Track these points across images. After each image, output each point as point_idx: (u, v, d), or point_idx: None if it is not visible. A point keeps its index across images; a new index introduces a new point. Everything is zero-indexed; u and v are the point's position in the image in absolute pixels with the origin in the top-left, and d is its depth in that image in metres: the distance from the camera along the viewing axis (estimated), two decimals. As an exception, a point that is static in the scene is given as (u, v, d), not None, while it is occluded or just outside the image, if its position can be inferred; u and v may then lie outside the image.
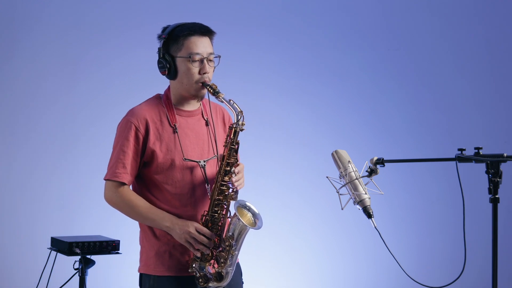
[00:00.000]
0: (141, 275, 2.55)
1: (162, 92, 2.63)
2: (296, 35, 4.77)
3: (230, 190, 2.46)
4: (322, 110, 4.80)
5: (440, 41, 4.96)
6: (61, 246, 3.23)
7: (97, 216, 4.24)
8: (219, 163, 2.47)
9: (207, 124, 2.57)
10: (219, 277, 2.43)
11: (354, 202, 2.29)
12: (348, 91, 4.86)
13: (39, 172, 4.22)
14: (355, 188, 2.28)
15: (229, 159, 2.45)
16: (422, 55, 4.95)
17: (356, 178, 2.28)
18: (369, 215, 2.25)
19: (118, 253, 3.31)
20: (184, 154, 2.47)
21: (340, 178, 2.32)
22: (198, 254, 2.42)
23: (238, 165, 2.47)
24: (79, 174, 4.28)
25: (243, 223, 2.41)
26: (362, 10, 4.89)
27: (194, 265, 2.44)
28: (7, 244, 4.16)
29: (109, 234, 3.53)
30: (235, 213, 2.43)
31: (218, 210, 2.44)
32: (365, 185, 2.30)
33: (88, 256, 3.20)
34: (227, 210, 2.46)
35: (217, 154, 2.54)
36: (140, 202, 2.46)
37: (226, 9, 4.58)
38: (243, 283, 2.66)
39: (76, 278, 3.18)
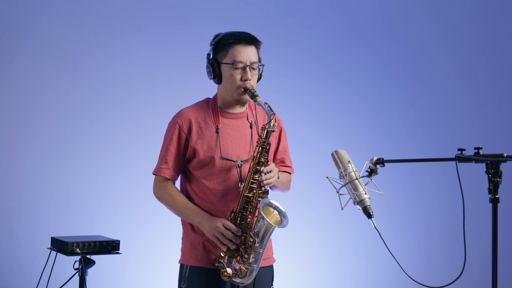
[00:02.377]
0: (179, 266, 2.68)
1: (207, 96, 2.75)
2: (295, 35, 4.77)
3: (260, 189, 2.55)
4: (322, 110, 4.80)
5: (440, 41, 4.97)
6: (61, 246, 3.23)
7: (97, 216, 4.24)
8: (250, 162, 2.58)
9: (251, 126, 2.69)
10: (241, 273, 2.50)
11: (354, 202, 2.29)
12: (348, 91, 4.86)
13: (39, 172, 4.22)
14: (355, 188, 2.28)
15: (259, 159, 2.55)
16: (422, 55, 4.96)
17: (356, 178, 2.28)
18: (369, 215, 2.25)
19: (118, 253, 3.31)
20: (223, 153, 2.61)
21: (340, 178, 2.32)
22: (224, 249, 2.52)
23: (269, 164, 2.56)
24: (79, 174, 4.28)
25: (267, 221, 2.47)
26: (361, 10, 4.89)
27: (221, 260, 2.53)
28: (7, 244, 4.16)
29: (109, 234, 3.53)
30: (260, 212, 2.50)
31: (247, 208, 2.54)
32: (365, 185, 2.30)
33: (88, 256, 3.20)
34: (255, 208, 2.55)
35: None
36: (178, 197, 2.63)
37: (225, 10, 4.58)
38: None
39: (76, 278, 3.19)
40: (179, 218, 2.69)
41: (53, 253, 3.26)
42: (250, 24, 4.67)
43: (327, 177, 2.31)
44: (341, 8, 4.86)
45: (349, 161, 2.33)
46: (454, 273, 2.22)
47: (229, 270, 2.50)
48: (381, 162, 2.29)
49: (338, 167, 2.34)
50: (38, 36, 4.25)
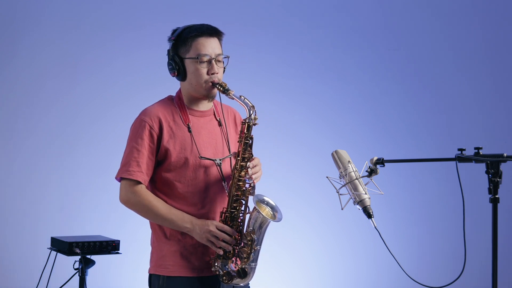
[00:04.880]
0: (150, 276, 2.54)
1: (163, 93, 2.66)
2: (296, 35, 4.77)
3: (247, 185, 2.47)
4: (322, 110, 4.80)
5: (440, 41, 4.96)
6: (61, 246, 3.23)
7: (97, 216, 4.24)
8: (235, 159, 2.48)
9: (219, 124, 2.58)
10: (242, 273, 2.42)
11: (354, 202, 2.29)
12: (348, 91, 4.86)
13: (39, 172, 4.22)
14: (355, 188, 2.28)
15: (244, 154, 2.46)
16: (422, 55, 4.96)
17: (356, 178, 2.28)
18: (369, 215, 2.25)
19: (118, 253, 3.31)
20: (200, 153, 2.47)
21: (340, 178, 2.32)
22: (221, 252, 2.41)
23: (253, 159, 2.48)
24: (79, 174, 4.28)
25: (263, 216, 2.41)
26: (362, 10, 4.89)
27: (216, 264, 2.44)
28: (8, 244, 4.16)
29: (109, 234, 3.53)
30: (254, 207, 2.43)
31: (236, 206, 2.45)
32: (365, 185, 2.30)
33: (88, 256, 3.20)
34: (246, 205, 2.47)
35: (231, 153, 2.55)
36: (159, 203, 2.45)
37: (226, 9, 4.58)
38: None
39: (76, 278, 3.19)
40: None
41: (53, 253, 3.26)
42: (250, 24, 4.68)
43: (327, 177, 2.31)
44: (341, 7, 4.85)
45: (349, 161, 2.33)
46: (454, 273, 2.22)
47: (227, 273, 2.42)
48: (381, 162, 2.29)
49: (338, 167, 2.34)
50: (38, 36, 4.25)
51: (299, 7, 4.79)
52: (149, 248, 4.34)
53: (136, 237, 4.23)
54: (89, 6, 4.34)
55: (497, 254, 2.12)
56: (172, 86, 4.40)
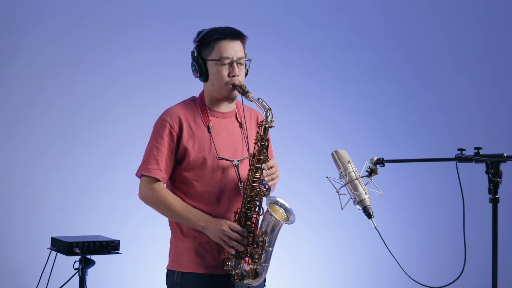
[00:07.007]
0: (167, 272, 2.59)
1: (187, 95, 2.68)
2: (296, 35, 4.77)
3: (262, 187, 2.50)
4: (322, 110, 4.80)
5: (440, 41, 4.97)
6: (61, 246, 3.23)
7: (97, 216, 4.24)
8: (250, 160, 2.52)
9: (241, 126, 2.62)
10: (254, 274, 2.46)
11: (354, 202, 2.29)
12: (348, 91, 4.86)
13: (39, 172, 4.22)
14: (355, 188, 2.28)
15: (259, 156, 2.49)
16: (422, 55, 4.96)
17: (356, 178, 2.28)
18: (369, 215, 2.25)
19: (118, 253, 3.31)
20: (218, 153, 2.52)
21: (340, 178, 2.32)
22: (233, 252, 2.46)
23: (269, 161, 2.51)
24: (79, 174, 4.28)
25: (275, 218, 2.45)
26: (362, 10, 4.89)
27: (229, 263, 2.48)
28: (7, 244, 4.16)
29: (109, 234, 3.53)
30: (267, 209, 2.47)
31: (251, 207, 2.49)
32: (365, 185, 2.30)
33: (88, 256, 3.20)
34: (260, 206, 2.51)
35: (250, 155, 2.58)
36: (176, 201, 2.51)
37: (225, 9, 4.58)
38: None
39: (76, 278, 3.19)
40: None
41: (53, 253, 3.26)
42: (250, 24, 4.66)
43: (327, 177, 2.31)
44: (341, 7, 4.86)
45: (349, 161, 2.33)
46: (454, 273, 2.22)
47: (239, 272, 2.46)
48: (381, 162, 2.29)
49: (338, 167, 2.34)
50: (38, 36, 4.25)
51: (299, 7, 4.79)
52: (149, 248, 4.36)
53: (136, 237, 4.25)
54: (89, 6, 4.34)
55: (497, 254, 2.12)
56: (173, 86, 4.42)
